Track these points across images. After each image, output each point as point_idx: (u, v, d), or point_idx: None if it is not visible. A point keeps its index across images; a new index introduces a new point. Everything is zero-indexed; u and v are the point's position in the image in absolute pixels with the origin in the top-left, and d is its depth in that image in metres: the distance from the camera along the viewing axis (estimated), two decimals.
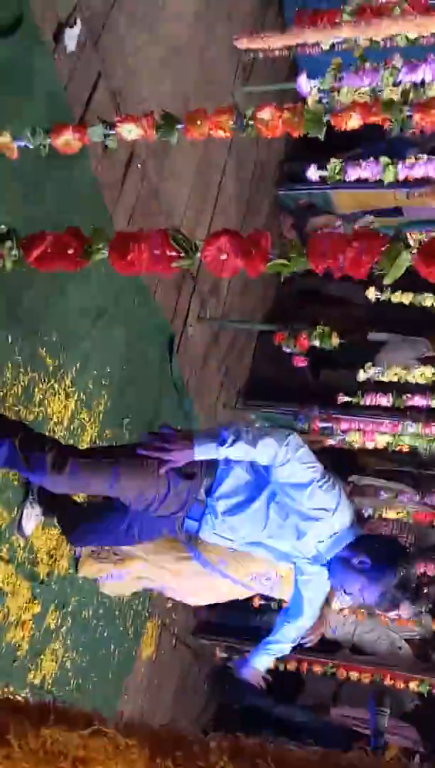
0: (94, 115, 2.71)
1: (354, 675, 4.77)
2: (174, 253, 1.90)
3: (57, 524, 2.89)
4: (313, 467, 2.16)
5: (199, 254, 1.88)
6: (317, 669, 4.86)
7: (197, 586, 2.98)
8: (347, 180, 3.75)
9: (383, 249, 1.75)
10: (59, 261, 2.06)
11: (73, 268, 2.09)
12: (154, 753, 1.17)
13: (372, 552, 2.27)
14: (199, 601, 3.29)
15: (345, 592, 2.34)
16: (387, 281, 1.82)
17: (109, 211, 3.24)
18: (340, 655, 4.87)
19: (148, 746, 1.18)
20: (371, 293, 4.46)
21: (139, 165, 3.46)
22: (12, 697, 1.39)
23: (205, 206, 4.40)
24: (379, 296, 4.45)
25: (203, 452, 2.14)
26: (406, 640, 4.97)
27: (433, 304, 4.33)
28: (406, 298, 4.39)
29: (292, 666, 4.90)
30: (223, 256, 1.88)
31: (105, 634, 3.55)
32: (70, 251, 2.04)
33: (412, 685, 4.63)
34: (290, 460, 2.12)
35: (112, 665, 3.70)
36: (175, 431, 2.23)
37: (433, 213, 5.24)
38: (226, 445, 2.11)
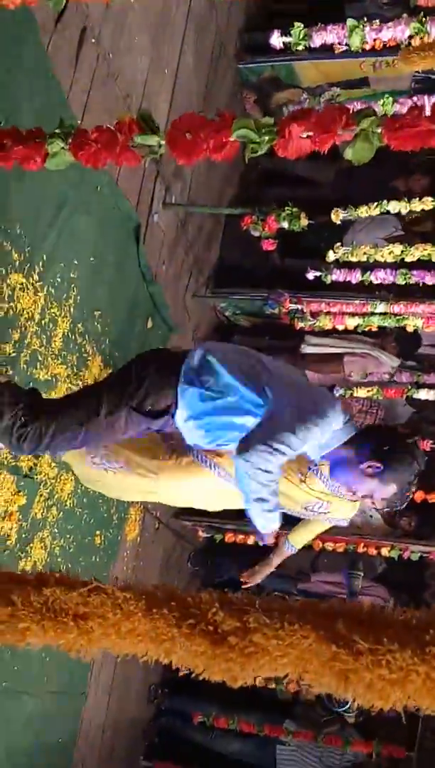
0: None
1: (329, 545, 5.01)
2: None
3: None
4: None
5: (163, 140, 1.81)
6: None
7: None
8: (312, 47, 3.57)
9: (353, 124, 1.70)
10: (19, 159, 1.98)
11: (34, 168, 2.02)
12: (151, 604, 1.27)
13: (381, 455, 2.22)
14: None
15: (351, 491, 2.36)
16: (353, 158, 1.78)
17: (65, 94, 3.08)
18: None
19: (144, 598, 1.29)
20: (337, 215, 4.34)
21: (93, 40, 3.26)
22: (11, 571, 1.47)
23: (165, 85, 4.20)
24: (345, 214, 4.33)
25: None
26: (377, 509, 5.20)
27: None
28: (373, 211, 4.26)
29: (270, 540, 5.13)
30: (188, 135, 1.82)
31: (90, 521, 3.67)
32: (31, 151, 1.96)
33: (384, 551, 4.90)
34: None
35: (99, 550, 3.85)
36: None
37: (401, 83, 5.07)
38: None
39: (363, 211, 4.15)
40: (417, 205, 4.03)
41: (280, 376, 2.25)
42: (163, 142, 1.82)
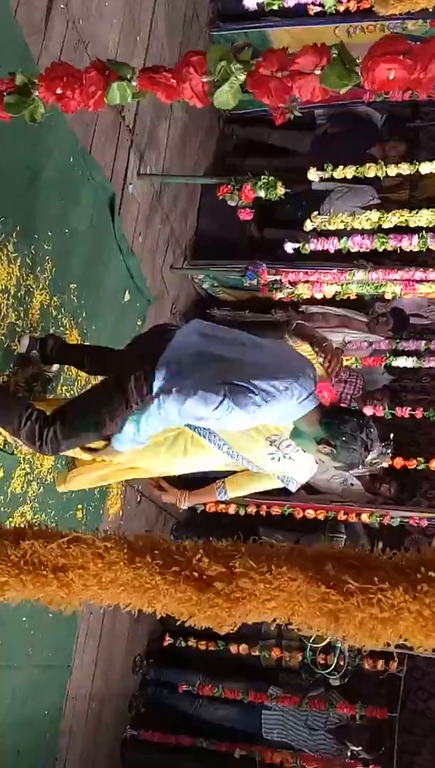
0: None
1: (310, 513, 5.04)
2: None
3: None
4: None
5: (135, 82, 1.78)
6: (275, 510, 5.13)
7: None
8: (286, 6, 3.51)
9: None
10: None
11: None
12: (134, 553, 1.25)
13: (334, 438, 2.42)
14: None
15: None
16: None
17: (34, 61, 3.01)
18: (296, 497, 5.13)
19: (126, 547, 1.26)
20: (313, 174, 4.30)
21: (63, 6, 3.18)
22: None
23: (136, 52, 4.12)
24: (321, 174, 4.30)
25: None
26: (357, 477, 5.24)
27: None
28: (349, 172, 4.24)
29: (251, 510, 5.16)
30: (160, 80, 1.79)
31: (71, 495, 3.66)
32: None
33: (364, 517, 4.94)
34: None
35: (81, 524, 3.84)
36: None
37: None
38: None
39: (339, 172, 4.12)
40: (393, 170, 4.01)
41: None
42: (135, 83, 1.79)
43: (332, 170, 4.15)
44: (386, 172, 4.01)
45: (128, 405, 2.44)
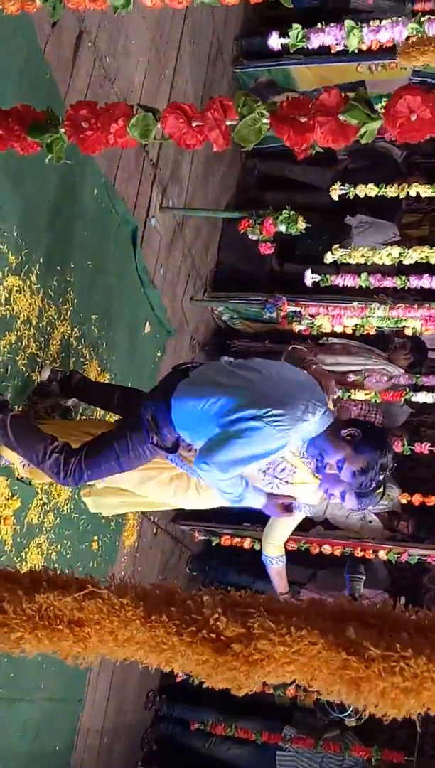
0: None
1: (327, 548, 4.98)
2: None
3: None
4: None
5: (159, 124, 1.80)
6: (291, 545, 5.08)
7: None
8: (310, 47, 3.56)
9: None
10: (9, 141, 1.96)
11: (26, 151, 2.00)
12: (150, 610, 1.21)
13: (363, 428, 2.36)
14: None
15: (321, 461, 2.38)
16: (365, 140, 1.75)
17: (62, 97, 3.07)
18: (313, 532, 5.08)
19: (142, 604, 1.22)
20: (335, 192, 4.35)
21: (90, 43, 3.25)
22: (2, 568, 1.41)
23: (162, 88, 4.20)
24: (344, 190, 4.35)
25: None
26: (375, 513, 5.18)
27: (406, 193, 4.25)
28: (371, 191, 4.29)
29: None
30: (183, 128, 1.80)
31: (88, 526, 3.64)
32: (20, 131, 1.95)
33: (381, 554, 4.87)
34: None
35: (97, 556, 3.82)
36: None
37: (397, 86, 5.06)
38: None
39: (362, 190, 4.17)
40: (414, 189, 4.06)
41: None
42: (160, 126, 1.80)
43: (355, 189, 4.19)
44: (408, 191, 4.06)
45: (148, 439, 2.46)
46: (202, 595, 1.23)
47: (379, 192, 4.29)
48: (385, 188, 4.27)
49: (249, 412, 2.28)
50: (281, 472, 2.51)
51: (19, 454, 2.69)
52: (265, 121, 1.74)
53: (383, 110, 1.73)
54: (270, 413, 2.26)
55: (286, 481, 2.54)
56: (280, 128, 1.71)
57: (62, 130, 1.90)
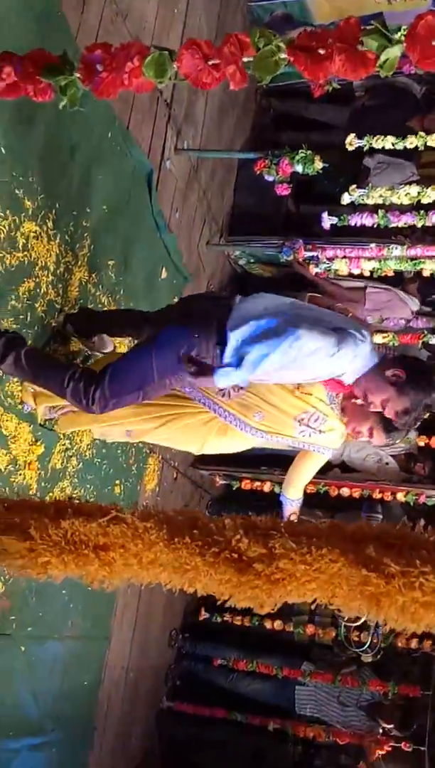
0: None
1: (345, 491, 5.04)
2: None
3: None
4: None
5: (175, 64, 1.75)
6: (310, 488, 5.13)
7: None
8: None
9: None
10: (26, 89, 1.93)
11: (43, 98, 1.96)
12: (173, 533, 1.25)
13: (408, 369, 2.35)
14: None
15: (365, 400, 2.40)
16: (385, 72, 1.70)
17: (73, 34, 2.99)
18: (331, 475, 5.12)
19: (166, 528, 1.26)
20: (351, 145, 4.24)
21: None
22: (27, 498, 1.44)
23: (175, 24, 4.08)
24: (360, 143, 4.25)
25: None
26: (392, 455, 5.21)
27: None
28: (388, 143, 4.18)
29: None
30: (200, 65, 1.75)
31: (110, 471, 3.70)
32: (38, 79, 1.91)
33: (399, 496, 4.92)
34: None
35: (119, 500, 3.88)
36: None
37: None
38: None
39: (378, 141, 4.07)
40: (433, 140, 3.95)
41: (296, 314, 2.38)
42: (175, 65, 1.75)
43: (371, 139, 4.08)
44: (426, 142, 3.94)
45: (180, 368, 2.39)
46: (224, 519, 1.26)
47: (397, 144, 4.18)
48: (403, 141, 4.16)
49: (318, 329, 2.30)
50: (315, 422, 2.53)
51: (40, 386, 2.65)
52: (282, 55, 1.69)
53: (404, 37, 1.67)
54: (350, 331, 2.29)
55: (319, 431, 2.56)
56: (297, 58, 1.65)
57: (76, 74, 1.86)
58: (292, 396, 2.52)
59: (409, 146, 4.12)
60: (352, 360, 2.32)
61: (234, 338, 2.32)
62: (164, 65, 1.84)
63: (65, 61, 1.92)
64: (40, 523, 1.38)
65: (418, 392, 2.34)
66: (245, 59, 1.77)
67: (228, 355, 2.34)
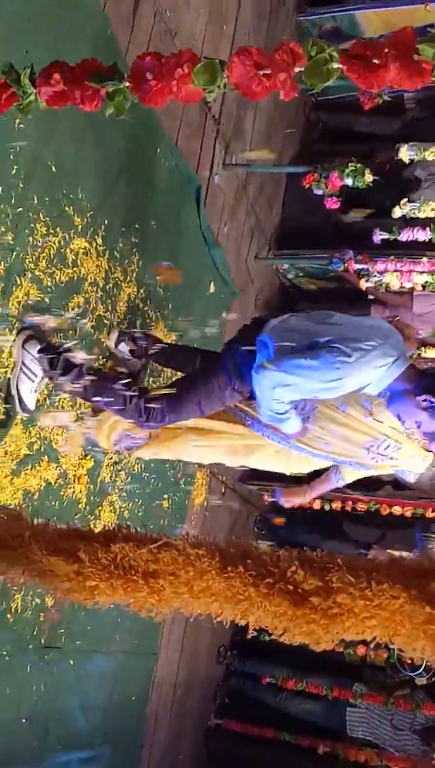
0: None
1: (397, 510, 4.93)
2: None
3: None
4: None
5: (225, 73, 1.73)
6: (361, 506, 5.05)
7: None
8: None
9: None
10: (74, 96, 1.94)
11: (90, 107, 1.97)
12: (226, 562, 1.20)
13: None
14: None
15: (401, 422, 2.37)
16: None
17: (122, 52, 3.03)
18: (383, 492, 5.02)
19: (218, 557, 1.21)
20: (404, 152, 4.21)
21: None
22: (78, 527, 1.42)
23: (223, 41, 4.10)
24: (412, 155, 4.20)
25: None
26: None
27: None
28: None
29: (336, 505, 5.09)
30: (250, 73, 1.73)
31: (158, 485, 3.69)
32: (86, 86, 1.92)
33: None
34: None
35: (167, 514, 3.87)
36: None
37: None
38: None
39: (431, 152, 4.01)
40: None
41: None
42: (226, 77, 1.74)
43: (424, 151, 4.03)
44: None
45: (230, 383, 2.47)
46: (278, 551, 1.22)
47: None
48: None
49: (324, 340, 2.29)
50: (386, 449, 2.52)
51: (100, 407, 2.71)
52: (335, 64, 1.66)
53: None
54: (334, 344, 2.25)
55: (391, 458, 2.55)
56: (351, 66, 1.62)
57: (126, 83, 1.86)
58: (362, 422, 2.51)
59: None
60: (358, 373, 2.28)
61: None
62: (215, 72, 1.83)
63: (115, 70, 1.93)
64: (90, 546, 1.35)
65: None
66: (296, 69, 1.75)
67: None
